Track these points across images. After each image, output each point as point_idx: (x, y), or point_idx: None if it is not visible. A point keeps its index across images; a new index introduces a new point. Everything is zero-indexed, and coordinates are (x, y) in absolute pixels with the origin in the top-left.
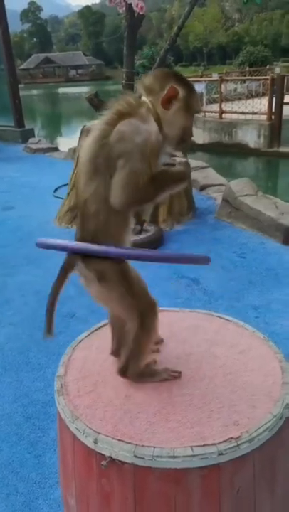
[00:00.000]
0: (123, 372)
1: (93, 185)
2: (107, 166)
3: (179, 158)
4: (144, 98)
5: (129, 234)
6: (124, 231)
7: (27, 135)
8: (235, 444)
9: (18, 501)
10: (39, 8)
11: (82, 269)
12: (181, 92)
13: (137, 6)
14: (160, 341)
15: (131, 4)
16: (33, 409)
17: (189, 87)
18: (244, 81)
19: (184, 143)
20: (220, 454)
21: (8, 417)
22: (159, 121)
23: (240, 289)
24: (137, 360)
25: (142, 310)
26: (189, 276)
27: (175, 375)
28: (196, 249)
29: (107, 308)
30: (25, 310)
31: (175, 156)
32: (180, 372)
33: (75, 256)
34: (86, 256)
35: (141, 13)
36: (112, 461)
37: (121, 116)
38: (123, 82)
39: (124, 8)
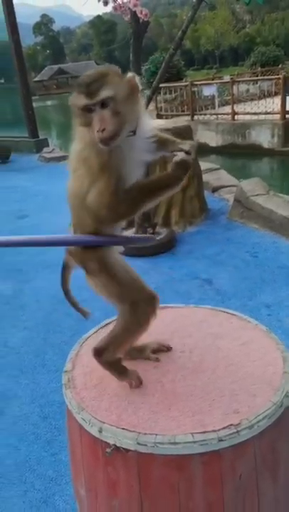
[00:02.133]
0: (98, 353)
1: (70, 181)
2: (73, 170)
3: (179, 155)
4: None
5: (108, 230)
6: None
7: (41, 145)
8: (235, 430)
9: (36, 498)
10: (51, 21)
11: (74, 263)
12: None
13: (141, 13)
14: (168, 349)
15: (135, 11)
16: (49, 410)
17: (74, 88)
18: (256, 81)
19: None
20: (220, 440)
21: (26, 417)
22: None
23: (252, 288)
24: (116, 348)
25: (134, 299)
26: (202, 276)
27: (138, 383)
28: (209, 250)
29: (103, 297)
30: (39, 315)
31: (181, 150)
32: (140, 384)
33: (68, 252)
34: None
35: (145, 19)
36: (117, 449)
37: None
38: None
39: (129, 16)
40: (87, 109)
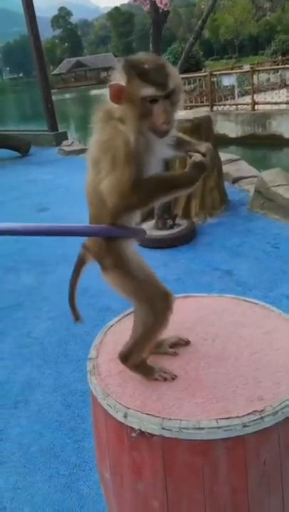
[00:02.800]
0: (124, 358)
1: (90, 175)
2: (95, 163)
3: (196, 156)
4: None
5: (126, 223)
6: (119, 220)
7: (60, 138)
8: (259, 416)
9: (60, 483)
10: (69, 13)
11: (90, 258)
12: (124, 84)
13: (160, 2)
14: (187, 342)
15: (155, 1)
16: (72, 398)
17: (130, 75)
18: (277, 70)
19: (156, 131)
20: (244, 426)
21: (49, 406)
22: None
23: (273, 279)
24: (140, 350)
25: (150, 296)
26: (222, 268)
27: (166, 377)
28: (229, 241)
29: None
30: (61, 306)
31: (197, 151)
32: (175, 376)
33: (84, 247)
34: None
35: (165, 9)
36: (142, 433)
37: (106, 120)
38: None
39: (148, 6)
40: (152, 100)
